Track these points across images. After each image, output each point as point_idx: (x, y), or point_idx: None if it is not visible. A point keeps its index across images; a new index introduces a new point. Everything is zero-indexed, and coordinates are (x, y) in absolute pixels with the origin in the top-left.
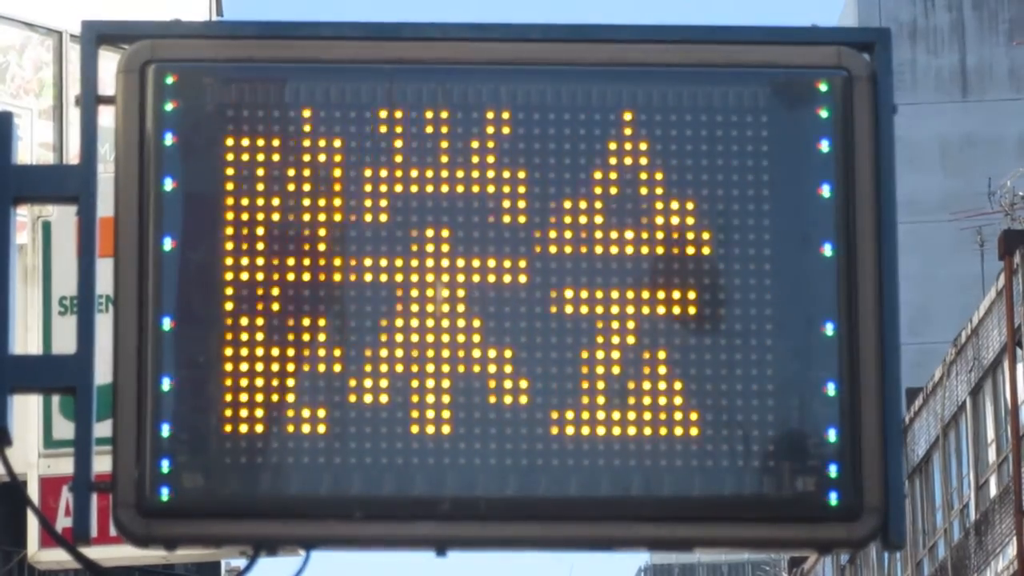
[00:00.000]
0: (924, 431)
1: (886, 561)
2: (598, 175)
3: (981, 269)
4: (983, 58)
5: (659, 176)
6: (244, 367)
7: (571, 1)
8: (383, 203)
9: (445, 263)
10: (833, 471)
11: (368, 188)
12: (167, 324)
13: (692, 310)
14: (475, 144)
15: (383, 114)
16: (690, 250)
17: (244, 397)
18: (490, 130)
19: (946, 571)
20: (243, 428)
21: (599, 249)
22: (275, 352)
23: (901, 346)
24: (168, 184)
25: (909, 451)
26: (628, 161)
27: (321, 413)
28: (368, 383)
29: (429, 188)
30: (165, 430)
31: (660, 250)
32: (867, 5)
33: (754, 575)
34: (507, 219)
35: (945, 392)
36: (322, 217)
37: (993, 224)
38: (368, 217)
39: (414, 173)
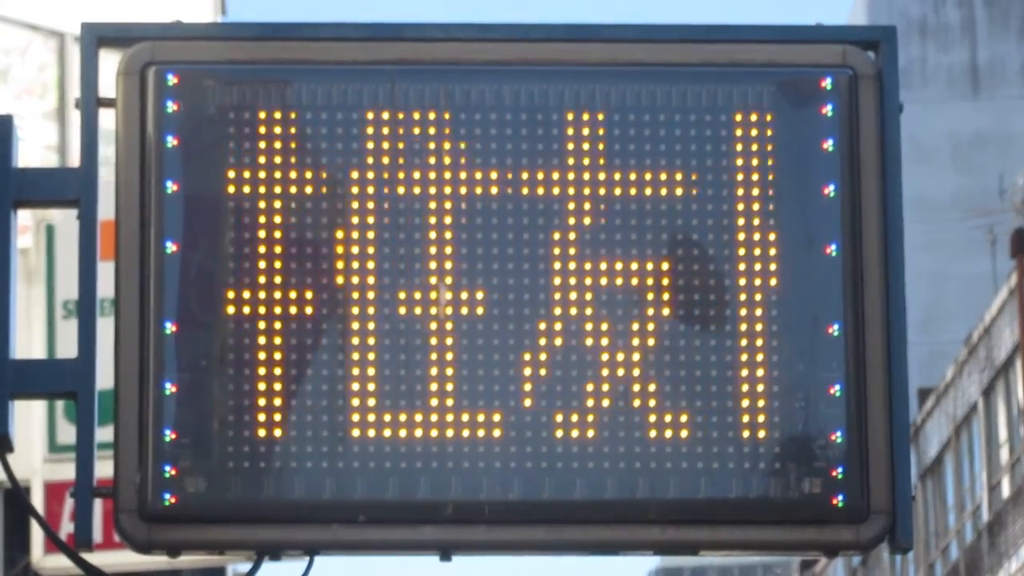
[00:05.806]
0: (936, 432)
1: (898, 563)
2: (602, 176)
3: (993, 268)
4: (994, 55)
5: (663, 176)
6: (247, 371)
7: (573, 0)
8: (386, 205)
9: (448, 265)
10: (839, 473)
11: (371, 190)
12: (169, 328)
13: (697, 311)
14: (478, 146)
15: (385, 115)
16: (695, 251)
17: (247, 401)
18: (493, 131)
19: (959, 573)
20: (246, 432)
21: (602, 251)
22: (277, 356)
23: (912, 346)
24: (170, 187)
25: (921, 452)
26: (632, 161)
27: (324, 418)
28: (371, 387)
29: (432, 189)
30: (167, 435)
31: (665, 250)
32: (877, 1)
33: None
34: (511, 220)
35: (957, 392)
36: (324, 220)
37: (1005, 222)
38: (370, 219)
39: (416, 175)
